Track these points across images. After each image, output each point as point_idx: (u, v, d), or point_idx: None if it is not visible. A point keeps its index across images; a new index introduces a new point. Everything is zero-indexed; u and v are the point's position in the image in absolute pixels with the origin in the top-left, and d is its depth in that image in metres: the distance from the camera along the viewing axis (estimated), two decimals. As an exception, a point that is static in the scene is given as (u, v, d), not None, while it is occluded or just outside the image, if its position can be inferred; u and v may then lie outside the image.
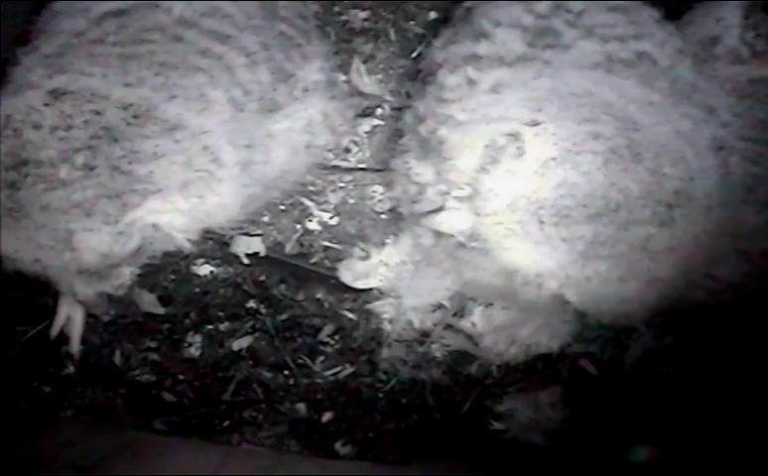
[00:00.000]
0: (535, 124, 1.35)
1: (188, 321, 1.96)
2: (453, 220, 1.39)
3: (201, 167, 1.47)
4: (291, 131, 1.72)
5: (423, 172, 1.56)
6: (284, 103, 1.69)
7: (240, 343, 1.94)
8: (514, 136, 1.34)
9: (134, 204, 1.41)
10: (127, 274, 1.54)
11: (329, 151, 2.04)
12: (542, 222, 1.31)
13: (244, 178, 1.58)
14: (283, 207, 2.03)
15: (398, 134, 1.78)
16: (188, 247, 1.56)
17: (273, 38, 1.68)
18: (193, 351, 1.94)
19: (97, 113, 1.42)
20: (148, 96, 1.46)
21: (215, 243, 2.00)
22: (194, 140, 1.47)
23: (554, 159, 1.32)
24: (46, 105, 1.43)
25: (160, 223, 1.46)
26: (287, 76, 1.69)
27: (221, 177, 1.50)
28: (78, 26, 1.57)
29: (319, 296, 1.98)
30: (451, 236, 1.41)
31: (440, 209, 1.41)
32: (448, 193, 1.41)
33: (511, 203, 1.32)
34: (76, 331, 1.86)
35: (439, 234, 1.49)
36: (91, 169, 1.39)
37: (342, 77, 2.06)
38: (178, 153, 1.45)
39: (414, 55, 2.14)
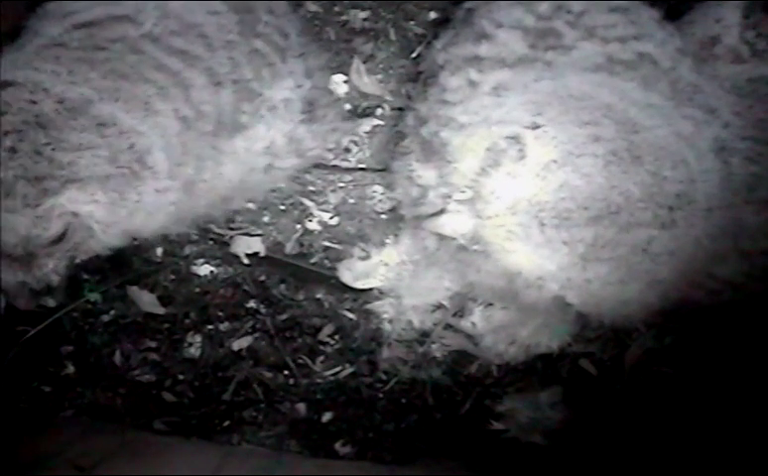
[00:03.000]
0: (536, 127, 1.34)
1: (188, 321, 1.97)
2: (455, 223, 1.38)
3: (124, 163, 1.49)
4: (248, 152, 1.73)
5: (425, 174, 1.56)
6: (246, 124, 1.70)
7: (240, 343, 1.95)
8: (515, 139, 1.34)
9: (54, 190, 1.42)
10: (50, 265, 1.54)
11: (329, 151, 2.05)
12: (543, 225, 1.31)
13: (179, 194, 1.59)
14: (283, 207, 2.04)
15: (400, 136, 1.78)
16: (105, 242, 1.56)
17: (245, 55, 1.69)
18: (193, 351, 1.95)
19: (33, 102, 1.45)
20: (87, 95, 1.49)
21: (215, 243, 2.00)
22: (122, 137, 1.49)
23: (555, 161, 1.31)
24: None
25: (80, 213, 1.47)
26: (253, 96, 1.70)
27: (144, 177, 1.51)
28: (56, 31, 1.60)
29: (319, 296, 1.98)
30: (453, 239, 1.41)
31: (441, 212, 1.41)
32: (449, 196, 1.41)
33: (512, 206, 1.32)
34: None
35: (440, 237, 1.49)
36: (15, 151, 1.41)
37: (324, 96, 2.03)
38: (103, 147, 1.46)
39: (414, 55, 2.14)
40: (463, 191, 1.38)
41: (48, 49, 1.56)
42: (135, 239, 1.64)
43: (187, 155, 1.59)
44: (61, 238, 1.49)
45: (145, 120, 1.52)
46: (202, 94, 1.61)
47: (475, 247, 1.39)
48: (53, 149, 1.42)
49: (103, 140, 1.46)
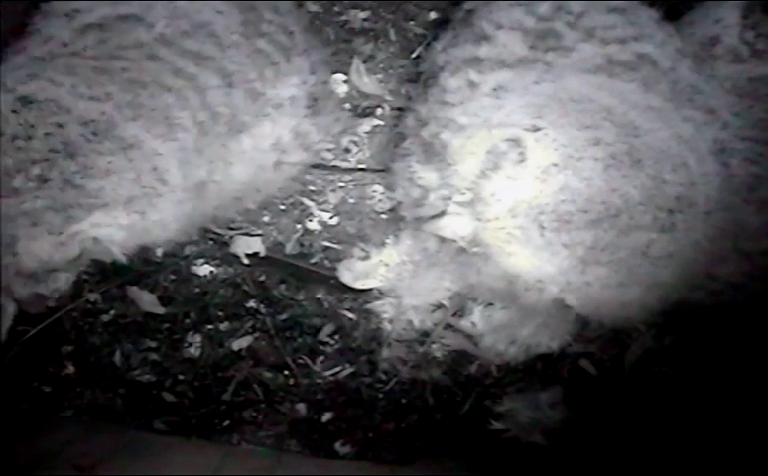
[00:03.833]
0: (536, 129, 1.35)
1: (188, 321, 1.96)
2: (455, 225, 1.39)
3: (147, 184, 1.49)
4: (256, 150, 1.73)
5: (425, 175, 1.56)
6: (251, 123, 1.70)
7: (240, 343, 1.94)
8: (515, 141, 1.34)
9: (79, 218, 1.42)
10: (63, 279, 1.55)
11: (329, 151, 2.05)
12: (543, 228, 1.31)
13: (192, 199, 1.59)
14: (283, 207, 2.03)
15: (400, 137, 1.78)
16: (123, 260, 1.55)
17: (248, 55, 1.68)
18: (193, 351, 1.94)
19: (59, 126, 1.43)
20: (110, 113, 1.47)
21: (215, 243, 2.00)
22: (146, 159, 1.48)
23: (555, 164, 1.32)
24: (13, 112, 1.44)
25: (100, 237, 1.46)
26: (257, 96, 1.69)
27: (163, 192, 1.51)
28: (63, 34, 1.58)
29: (319, 296, 1.98)
30: (453, 241, 1.41)
31: (442, 214, 1.41)
32: (449, 198, 1.41)
33: (512, 209, 1.32)
34: (5, 323, 1.86)
35: (441, 239, 1.49)
36: (45, 181, 1.40)
37: (326, 90, 2.03)
38: (129, 170, 1.46)
39: (414, 55, 2.13)
40: (464, 194, 1.38)
41: (61, 57, 1.54)
42: (146, 248, 1.64)
43: (201, 158, 1.59)
44: (78, 258, 1.48)
45: (166, 136, 1.51)
46: (217, 96, 1.60)
47: (475, 249, 1.40)
48: (82, 177, 1.41)
49: (129, 162, 1.46)
